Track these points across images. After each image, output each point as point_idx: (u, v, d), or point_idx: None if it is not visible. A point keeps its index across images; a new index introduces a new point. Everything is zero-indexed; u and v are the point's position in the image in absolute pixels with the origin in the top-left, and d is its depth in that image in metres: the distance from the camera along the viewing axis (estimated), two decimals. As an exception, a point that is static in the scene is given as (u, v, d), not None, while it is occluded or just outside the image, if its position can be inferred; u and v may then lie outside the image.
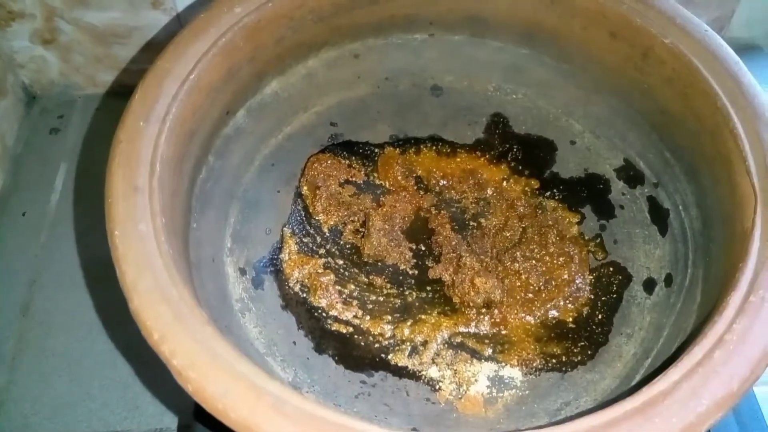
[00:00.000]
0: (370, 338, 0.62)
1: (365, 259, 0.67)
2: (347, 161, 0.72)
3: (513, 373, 0.61)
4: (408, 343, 0.62)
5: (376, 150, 0.73)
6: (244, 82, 0.62)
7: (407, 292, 0.65)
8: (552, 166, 0.71)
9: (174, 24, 0.80)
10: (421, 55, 0.72)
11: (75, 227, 0.77)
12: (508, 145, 0.73)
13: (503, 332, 0.63)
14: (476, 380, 0.60)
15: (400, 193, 0.70)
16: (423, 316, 0.63)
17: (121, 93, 0.87)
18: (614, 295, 0.65)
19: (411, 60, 0.72)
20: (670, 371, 0.44)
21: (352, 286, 0.65)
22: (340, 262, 0.66)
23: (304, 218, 0.68)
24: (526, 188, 0.71)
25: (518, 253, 0.66)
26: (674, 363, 0.45)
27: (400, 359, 0.61)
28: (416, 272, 0.66)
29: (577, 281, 0.65)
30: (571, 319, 0.64)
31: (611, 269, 0.66)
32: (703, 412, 0.42)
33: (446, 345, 0.62)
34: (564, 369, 0.61)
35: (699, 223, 0.60)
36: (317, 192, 0.69)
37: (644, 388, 0.44)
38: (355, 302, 0.64)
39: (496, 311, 0.64)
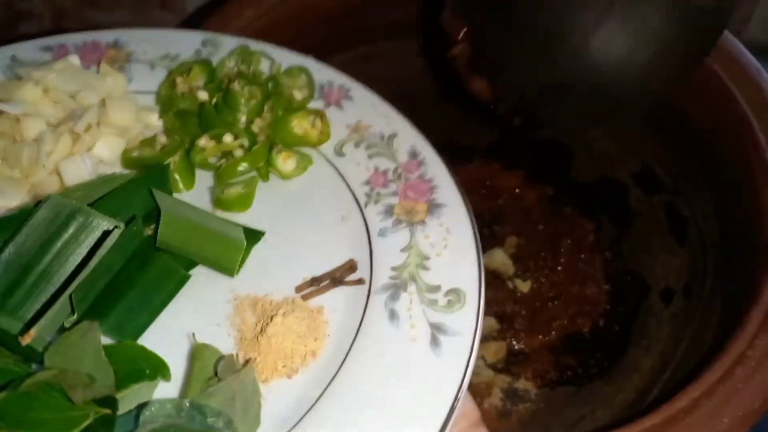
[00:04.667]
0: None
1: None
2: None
3: (527, 385, 0.60)
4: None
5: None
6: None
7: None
8: (568, 172, 0.70)
9: (184, 24, 0.79)
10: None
11: None
12: (522, 151, 0.71)
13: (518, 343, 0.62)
14: (490, 393, 0.59)
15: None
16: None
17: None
18: (631, 306, 0.63)
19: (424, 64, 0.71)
20: (690, 388, 0.43)
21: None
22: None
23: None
24: (541, 194, 0.70)
25: (531, 262, 0.65)
26: (694, 379, 0.43)
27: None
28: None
29: (593, 291, 0.64)
30: (587, 330, 0.63)
31: (628, 279, 0.65)
32: (724, 431, 0.41)
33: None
34: (580, 381, 0.60)
35: (718, 233, 0.59)
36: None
37: (664, 405, 0.43)
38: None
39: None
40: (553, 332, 0.62)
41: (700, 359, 0.51)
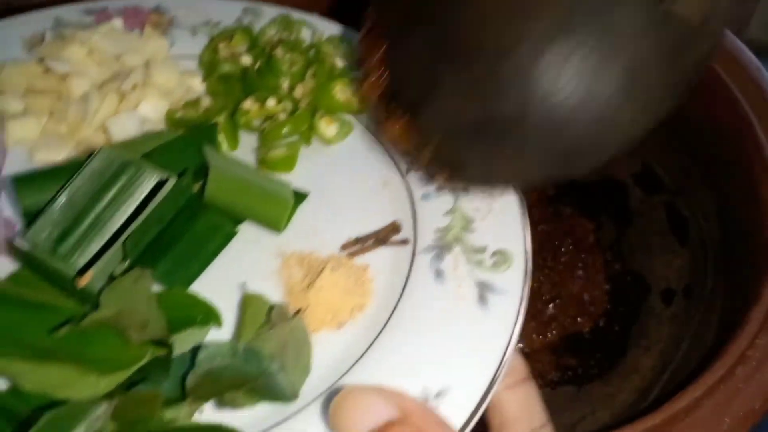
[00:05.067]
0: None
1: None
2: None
3: (527, 385, 0.60)
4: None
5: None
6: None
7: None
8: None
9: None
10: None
11: None
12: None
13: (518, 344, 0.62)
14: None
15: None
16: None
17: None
18: (632, 306, 0.63)
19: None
20: (691, 388, 0.43)
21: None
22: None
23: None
24: (541, 195, 0.70)
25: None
26: (695, 379, 0.43)
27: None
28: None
29: (593, 291, 0.64)
30: (587, 330, 0.63)
31: (628, 279, 0.65)
32: (724, 431, 0.41)
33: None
34: (580, 382, 0.60)
35: (719, 233, 0.59)
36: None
37: (664, 405, 0.42)
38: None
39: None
40: (554, 332, 0.62)
41: (701, 359, 0.51)
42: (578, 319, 0.63)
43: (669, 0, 0.33)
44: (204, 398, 0.35)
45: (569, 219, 0.68)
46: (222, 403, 0.35)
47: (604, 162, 0.36)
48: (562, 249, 0.66)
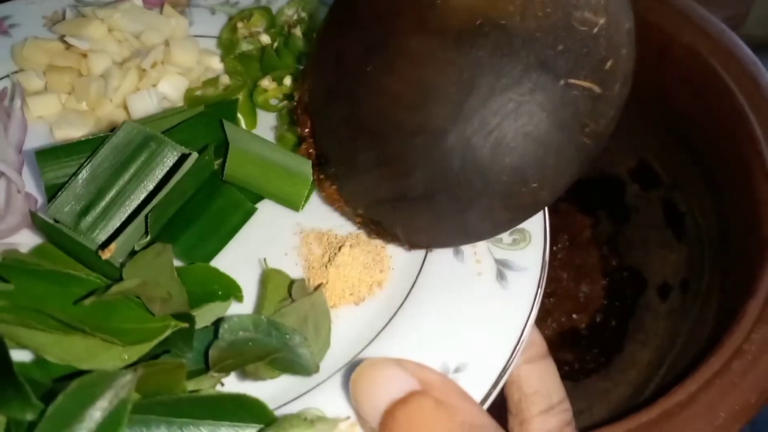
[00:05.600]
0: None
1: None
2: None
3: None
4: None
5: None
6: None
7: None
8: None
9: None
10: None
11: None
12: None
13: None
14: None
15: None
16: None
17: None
18: (628, 301, 0.63)
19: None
20: (686, 382, 0.43)
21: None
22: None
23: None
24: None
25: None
26: (691, 373, 0.44)
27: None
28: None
29: (590, 286, 0.64)
30: (584, 326, 0.63)
31: (625, 274, 0.65)
32: (720, 426, 0.41)
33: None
34: (577, 377, 0.60)
35: (716, 228, 0.59)
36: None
37: (660, 399, 0.43)
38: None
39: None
40: (551, 327, 0.62)
41: (697, 354, 0.51)
42: (575, 314, 0.63)
43: (565, 74, 0.33)
44: (227, 370, 0.35)
45: (566, 214, 0.68)
46: (244, 375, 0.36)
47: (512, 227, 0.39)
48: (559, 245, 0.66)
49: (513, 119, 0.34)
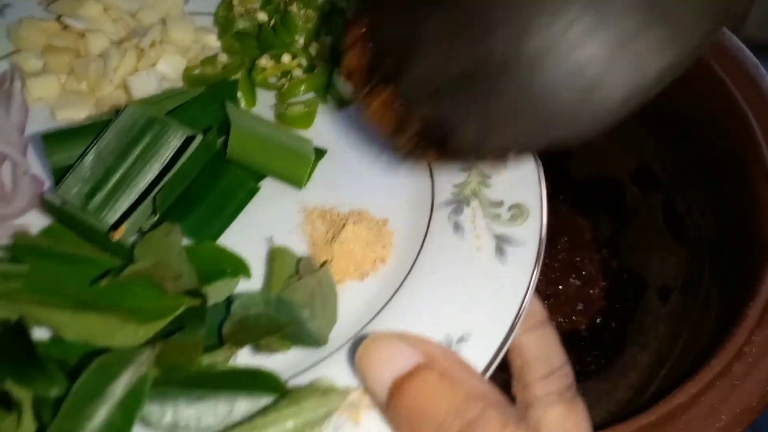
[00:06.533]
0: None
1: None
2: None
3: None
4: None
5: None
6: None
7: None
8: (564, 169, 0.70)
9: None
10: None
11: None
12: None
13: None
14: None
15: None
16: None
17: None
18: (628, 303, 0.63)
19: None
20: (687, 385, 0.43)
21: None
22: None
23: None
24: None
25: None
26: (692, 376, 0.43)
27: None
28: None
29: (590, 289, 0.64)
30: (584, 328, 0.62)
31: (625, 276, 0.65)
32: (721, 428, 0.41)
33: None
34: (577, 379, 0.59)
35: (716, 230, 0.59)
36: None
37: (661, 401, 0.42)
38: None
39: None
40: (551, 330, 0.62)
41: (698, 356, 0.51)
42: (575, 316, 0.63)
43: None
44: (240, 343, 0.36)
45: (566, 217, 0.68)
46: (257, 348, 0.37)
47: (596, 130, 0.32)
48: (559, 247, 0.66)
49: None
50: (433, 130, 0.35)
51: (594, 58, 0.31)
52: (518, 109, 0.32)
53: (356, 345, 0.34)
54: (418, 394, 0.31)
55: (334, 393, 0.33)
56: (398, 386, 0.31)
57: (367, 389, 0.33)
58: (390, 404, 0.32)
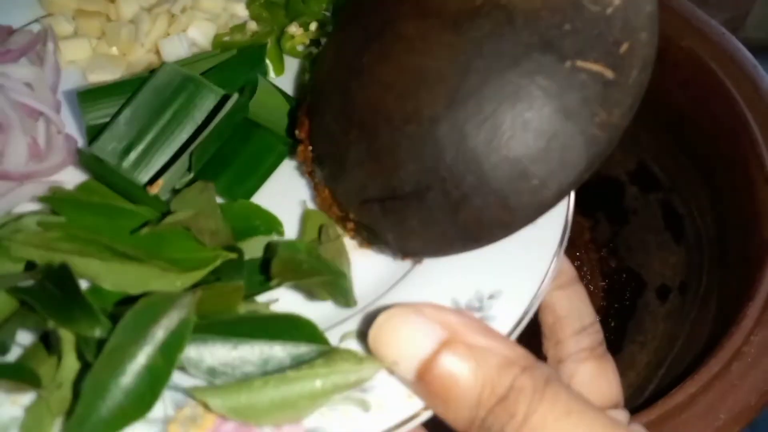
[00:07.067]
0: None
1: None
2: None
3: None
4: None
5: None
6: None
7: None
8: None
9: None
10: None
11: None
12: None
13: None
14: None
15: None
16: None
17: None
18: (627, 303, 0.63)
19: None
20: (686, 384, 0.43)
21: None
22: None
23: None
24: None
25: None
26: (690, 375, 0.44)
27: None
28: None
29: (589, 288, 0.64)
30: (583, 326, 0.63)
31: (624, 276, 0.65)
32: (720, 427, 0.41)
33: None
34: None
35: (714, 230, 0.59)
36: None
37: (660, 400, 0.43)
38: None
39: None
40: (550, 329, 0.62)
41: (696, 356, 0.52)
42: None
43: (572, 55, 0.31)
44: (286, 280, 0.36)
45: (565, 216, 0.68)
46: (299, 288, 0.37)
47: (512, 232, 0.34)
48: (558, 246, 0.66)
49: (511, 104, 0.31)
50: (364, 229, 0.37)
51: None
52: (427, 228, 0.35)
53: (377, 312, 0.32)
54: (448, 375, 0.30)
55: (370, 362, 0.32)
56: (429, 370, 0.30)
57: (389, 370, 0.32)
58: (419, 386, 0.30)
